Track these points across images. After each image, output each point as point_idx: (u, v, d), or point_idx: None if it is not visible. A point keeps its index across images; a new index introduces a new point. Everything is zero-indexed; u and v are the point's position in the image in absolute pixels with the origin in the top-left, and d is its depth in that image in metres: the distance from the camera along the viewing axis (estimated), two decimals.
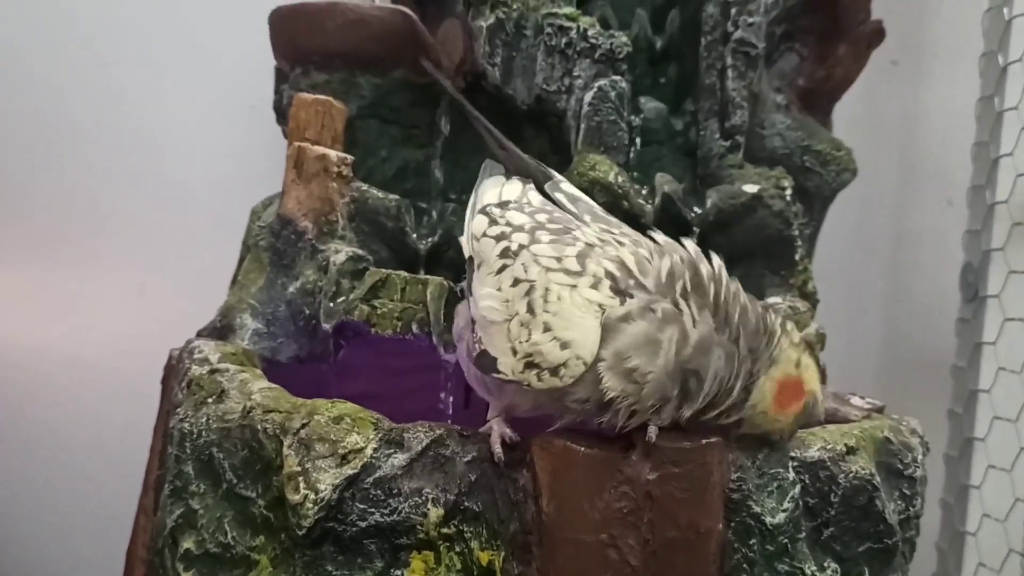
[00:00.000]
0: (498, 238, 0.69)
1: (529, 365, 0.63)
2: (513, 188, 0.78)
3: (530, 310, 0.63)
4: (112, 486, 1.14)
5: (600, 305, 0.62)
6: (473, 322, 0.69)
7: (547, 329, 0.62)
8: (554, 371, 0.62)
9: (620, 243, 0.67)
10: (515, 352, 0.63)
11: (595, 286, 0.63)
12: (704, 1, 1.05)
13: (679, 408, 0.64)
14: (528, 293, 0.64)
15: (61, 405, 1.28)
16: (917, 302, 1.41)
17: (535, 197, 0.76)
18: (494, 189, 0.78)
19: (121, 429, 1.22)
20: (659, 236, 0.69)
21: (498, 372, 0.65)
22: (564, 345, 0.61)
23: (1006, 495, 1.14)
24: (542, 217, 0.71)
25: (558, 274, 0.64)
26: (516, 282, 0.65)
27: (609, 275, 0.64)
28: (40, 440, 1.27)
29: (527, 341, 0.62)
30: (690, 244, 0.68)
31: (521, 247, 0.67)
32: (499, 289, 0.66)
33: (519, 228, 0.69)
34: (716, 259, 0.67)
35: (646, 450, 0.64)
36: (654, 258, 0.65)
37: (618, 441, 0.65)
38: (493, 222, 0.71)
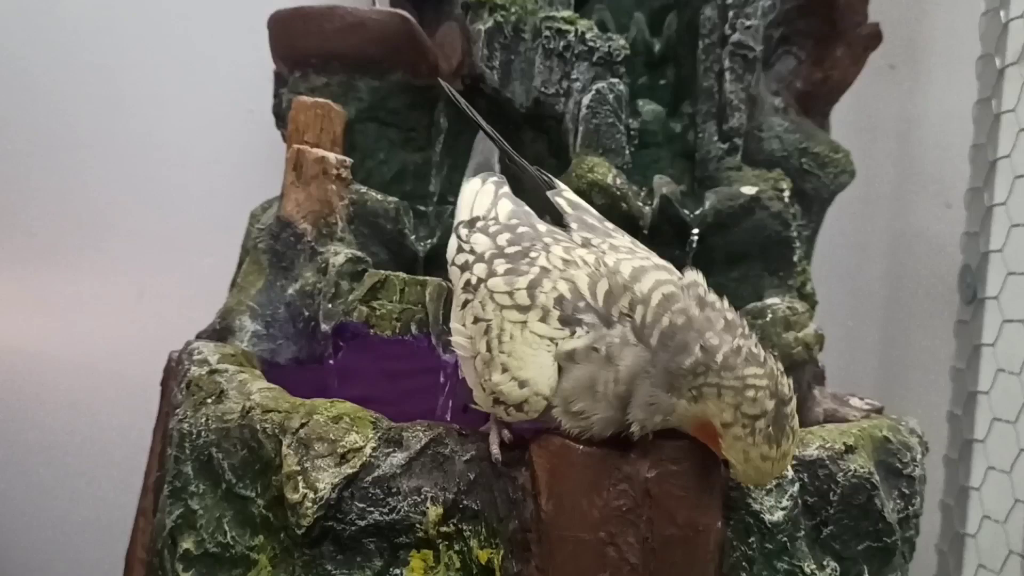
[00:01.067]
0: (462, 268, 0.71)
1: (496, 401, 0.65)
2: (485, 196, 0.77)
3: (489, 349, 0.65)
4: (111, 489, 1.15)
5: (551, 339, 0.63)
6: None
7: (504, 369, 0.64)
8: (519, 407, 0.63)
9: (585, 262, 0.66)
10: (483, 388, 0.66)
11: (544, 319, 0.64)
12: (702, 4, 1.06)
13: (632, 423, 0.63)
14: (486, 332, 0.65)
15: (60, 409, 1.27)
16: (916, 304, 1.41)
17: (504, 208, 0.76)
18: (468, 198, 0.78)
19: (120, 433, 1.22)
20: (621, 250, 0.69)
21: (474, 403, 0.68)
22: (522, 384, 0.63)
23: (1006, 497, 1.14)
24: (503, 239, 0.71)
25: (511, 311, 0.65)
26: (476, 320, 0.67)
27: (558, 303, 0.64)
28: (39, 444, 1.27)
29: (489, 380, 0.64)
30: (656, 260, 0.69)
31: (480, 281, 0.68)
32: (464, 325, 0.69)
33: (480, 258, 0.70)
34: (690, 274, 0.66)
35: (644, 448, 0.64)
36: (600, 280, 0.65)
37: (617, 439, 0.65)
38: (460, 248, 0.73)
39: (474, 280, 0.69)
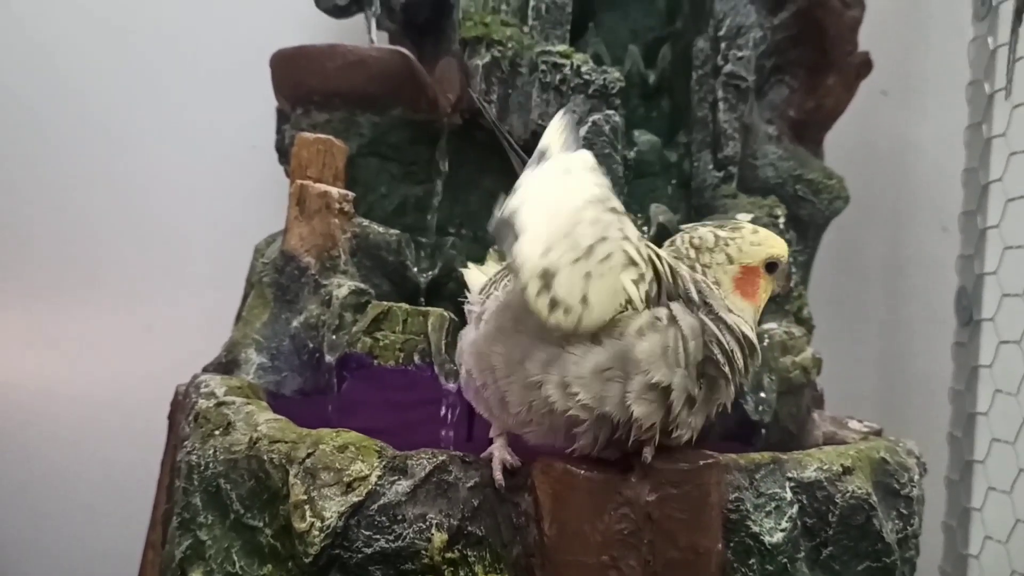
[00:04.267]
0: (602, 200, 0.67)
1: (544, 286, 0.61)
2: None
3: (590, 251, 0.63)
4: (120, 523, 1.15)
5: (629, 301, 0.64)
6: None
7: (587, 275, 0.62)
8: (555, 306, 0.61)
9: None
10: (546, 252, 0.62)
11: (637, 283, 0.65)
12: (694, 36, 1.08)
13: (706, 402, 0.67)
14: (600, 240, 0.63)
15: (70, 444, 1.28)
16: (915, 327, 1.42)
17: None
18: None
19: (129, 467, 1.23)
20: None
21: (516, 268, 0.62)
22: (584, 300, 0.62)
23: (1007, 517, 1.14)
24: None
25: (629, 249, 0.64)
26: (597, 222, 0.64)
27: (650, 281, 0.66)
28: (49, 478, 1.28)
29: (562, 263, 0.62)
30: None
31: (616, 212, 0.66)
32: (588, 201, 0.65)
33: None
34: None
35: (644, 472, 0.65)
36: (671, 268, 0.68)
37: (617, 463, 0.66)
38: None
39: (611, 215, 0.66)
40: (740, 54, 1.06)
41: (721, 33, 1.07)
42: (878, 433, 0.92)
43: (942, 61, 1.38)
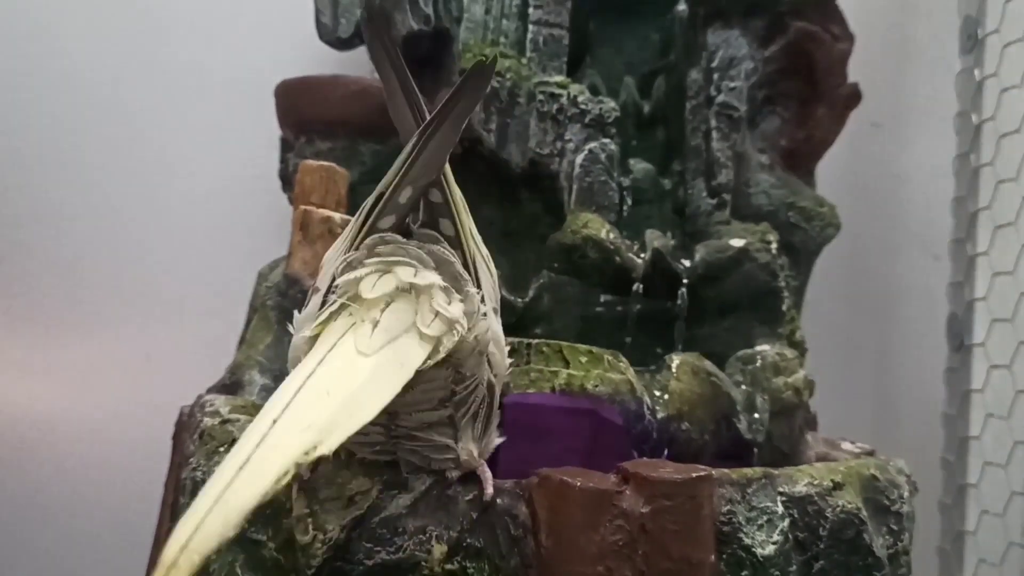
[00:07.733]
0: None
1: None
2: None
3: None
4: (120, 551, 1.16)
5: None
6: None
7: None
8: None
9: None
10: None
11: None
12: (688, 68, 1.11)
13: None
14: None
15: (68, 472, 1.29)
16: (906, 353, 1.44)
17: None
18: None
19: (128, 495, 1.23)
20: None
21: None
22: None
23: (1000, 540, 1.16)
24: None
25: None
26: None
27: None
28: (49, 507, 1.29)
29: None
30: None
31: None
32: None
33: None
34: None
35: (639, 484, 0.67)
36: None
37: (613, 475, 0.68)
38: None
39: None
40: (732, 85, 1.09)
41: (714, 65, 1.10)
42: (871, 454, 0.94)
43: (930, 93, 1.41)
